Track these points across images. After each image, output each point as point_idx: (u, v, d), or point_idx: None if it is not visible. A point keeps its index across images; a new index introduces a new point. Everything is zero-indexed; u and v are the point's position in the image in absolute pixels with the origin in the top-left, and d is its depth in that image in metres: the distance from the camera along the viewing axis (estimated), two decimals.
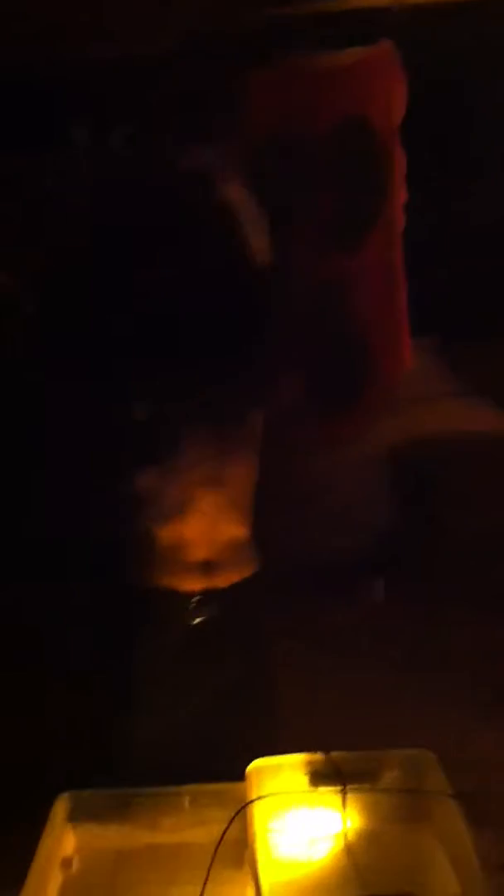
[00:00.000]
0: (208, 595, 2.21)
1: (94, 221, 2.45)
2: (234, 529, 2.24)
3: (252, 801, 1.70)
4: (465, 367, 3.72)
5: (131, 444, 2.14)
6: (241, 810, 1.69)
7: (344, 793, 1.73)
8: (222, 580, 2.23)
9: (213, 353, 2.15)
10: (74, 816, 1.86)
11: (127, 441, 2.15)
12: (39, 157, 2.91)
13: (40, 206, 2.81)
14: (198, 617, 2.19)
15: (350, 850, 1.69)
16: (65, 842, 1.83)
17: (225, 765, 1.85)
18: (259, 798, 1.72)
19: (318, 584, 3.64)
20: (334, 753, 1.79)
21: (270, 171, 3.49)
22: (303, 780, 1.80)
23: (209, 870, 1.64)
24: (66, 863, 1.80)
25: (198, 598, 2.19)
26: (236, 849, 1.70)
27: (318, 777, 1.79)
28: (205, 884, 1.63)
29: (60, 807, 1.84)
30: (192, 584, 2.20)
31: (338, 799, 1.74)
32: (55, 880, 1.76)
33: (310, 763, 1.80)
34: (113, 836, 1.85)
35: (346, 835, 1.72)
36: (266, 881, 1.55)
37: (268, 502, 2.34)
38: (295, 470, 3.58)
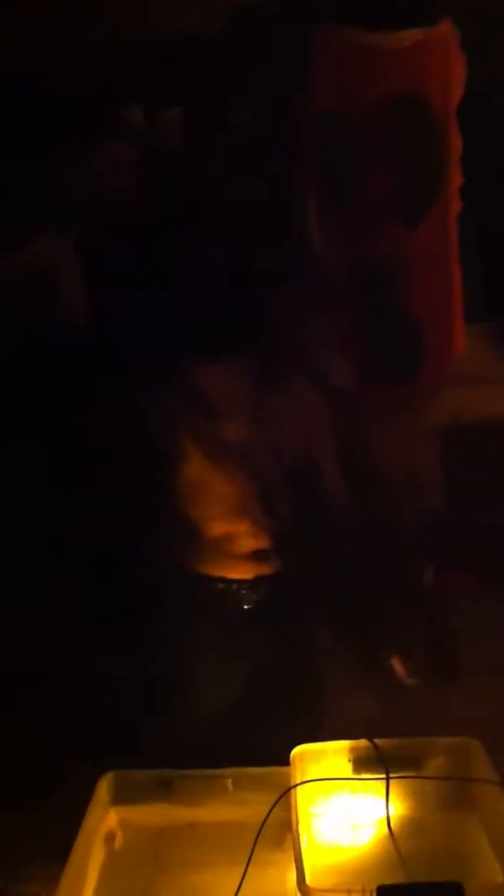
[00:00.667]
0: (258, 581, 2.22)
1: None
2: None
3: (296, 786, 1.70)
4: None
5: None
6: (286, 794, 1.69)
7: (387, 779, 1.71)
8: (271, 567, 2.24)
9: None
10: (118, 796, 1.87)
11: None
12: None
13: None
14: (247, 603, 2.19)
15: (393, 837, 1.68)
16: (108, 820, 1.84)
17: (268, 751, 1.85)
18: (303, 783, 1.72)
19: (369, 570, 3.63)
20: (378, 740, 1.77)
21: (331, 148, 3.47)
22: (346, 766, 1.79)
23: (252, 850, 1.64)
24: (109, 840, 1.82)
25: (248, 584, 2.19)
26: (278, 831, 1.69)
27: (362, 763, 1.78)
28: (247, 864, 1.63)
29: (104, 786, 1.85)
30: (243, 572, 2.20)
31: (381, 785, 1.72)
32: (98, 857, 1.77)
33: (353, 749, 1.79)
34: (155, 815, 1.85)
35: (389, 821, 1.70)
36: (308, 864, 1.55)
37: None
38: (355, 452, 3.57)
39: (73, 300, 2.74)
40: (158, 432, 2.23)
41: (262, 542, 2.20)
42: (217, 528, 2.20)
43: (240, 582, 2.19)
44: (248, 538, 2.21)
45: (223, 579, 2.19)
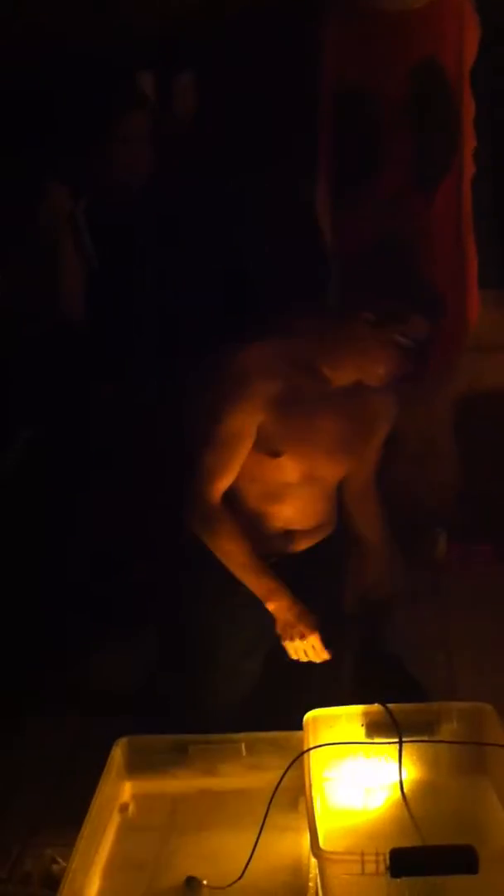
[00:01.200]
0: (284, 558, 2.24)
1: None
2: (322, 512, 2.26)
3: (309, 750, 1.70)
4: None
5: None
6: (299, 758, 1.69)
7: (400, 743, 1.72)
8: (300, 546, 2.28)
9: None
10: (133, 761, 1.88)
11: None
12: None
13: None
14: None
15: (406, 801, 1.68)
16: (123, 786, 1.85)
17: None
18: (316, 747, 1.72)
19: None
20: (391, 705, 1.77)
21: (348, 115, 3.44)
22: (359, 730, 1.79)
23: (265, 815, 1.65)
24: (124, 806, 1.83)
25: (273, 560, 2.20)
26: (292, 796, 1.70)
27: (375, 728, 1.78)
28: (261, 829, 1.64)
29: (119, 752, 1.86)
30: (269, 548, 2.22)
31: (394, 749, 1.72)
32: (113, 822, 1.79)
33: (367, 714, 1.79)
34: (170, 780, 1.87)
35: (402, 785, 1.71)
36: (322, 827, 1.55)
37: None
38: None
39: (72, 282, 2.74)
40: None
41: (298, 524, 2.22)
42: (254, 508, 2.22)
43: (265, 557, 2.20)
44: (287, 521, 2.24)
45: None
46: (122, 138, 2.80)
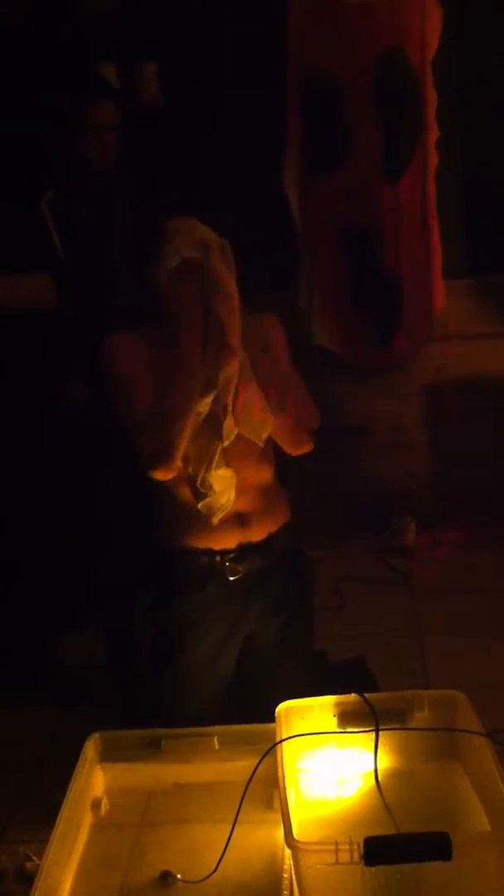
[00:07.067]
0: (244, 550, 2.18)
1: None
2: (262, 475, 2.22)
3: (281, 741, 1.70)
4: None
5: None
6: (271, 750, 1.69)
7: (377, 731, 1.72)
8: (257, 533, 2.19)
9: None
10: (105, 756, 1.87)
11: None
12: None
13: None
14: (234, 574, 2.16)
15: (380, 789, 1.69)
16: (95, 781, 1.85)
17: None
18: (288, 738, 1.72)
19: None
20: (365, 694, 1.77)
21: (315, 105, 3.44)
22: (332, 720, 1.79)
23: (239, 808, 1.65)
24: (97, 800, 1.82)
25: (233, 554, 2.17)
26: (266, 789, 1.70)
27: (347, 718, 1.78)
28: (234, 822, 1.64)
29: (91, 747, 1.85)
30: (228, 541, 2.17)
31: (367, 738, 1.72)
32: (87, 818, 1.78)
33: (339, 704, 1.79)
34: (143, 775, 1.86)
35: (377, 774, 1.71)
36: (296, 818, 1.55)
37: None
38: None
39: None
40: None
41: (244, 503, 2.18)
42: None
43: (223, 553, 2.17)
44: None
45: (208, 551, 2.17)
46: (89, 128, 2.79)
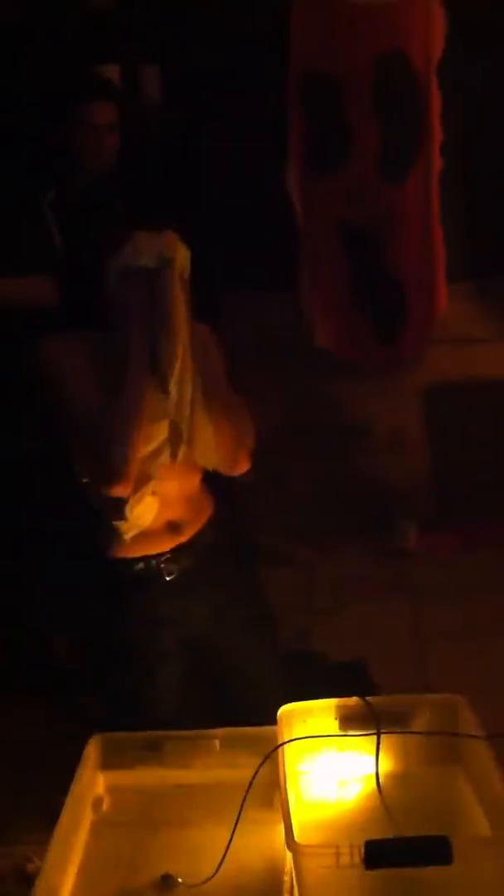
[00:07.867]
0: (178, 551, 2.22)
1: None
2: (192, 484, 2.25)
3: (283, 744, 1.70)
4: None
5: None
6: (273, 752, 1.69)
7: (378, 734, 1.72)
8: (188, 535, 2.24)
9: None
10: (106, 758, 1.87)
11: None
12: None
13: None
14: (170, 574, 2.20)
15: (381, 792, 1.69)
16: (96, 782, 1.85)
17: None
18: (290, 741, 1.72)
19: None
20: (366, 697, 1.78)
21: (316, 108, 3.45)
22: (333, 723, 1.79)
23: (240, 811, 1.65)
24: (98, 803, 1.82)
25: (167, 556, 2.20)
26: (267, 791, 1.70)
27: (349, 721, 1.78)
28: (236, 824, 1.64)
29: (92, 748, 1.85)
30: (162, 546, 2.21)
31: (369, 742, 1.73)
32: (87, 819, 1.78)
33: (340, 707, 1.79)
34: (144, 777, 1.86)
35: (378, 777, 1.71)
36: (296, 821, 1.55)
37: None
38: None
39: None
40: None
41: (176, 512, 2.21)
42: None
43: (158, 556, 2.20)
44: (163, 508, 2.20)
45: (144, 557, 2.19)
46: (89, 128, 2.79)
